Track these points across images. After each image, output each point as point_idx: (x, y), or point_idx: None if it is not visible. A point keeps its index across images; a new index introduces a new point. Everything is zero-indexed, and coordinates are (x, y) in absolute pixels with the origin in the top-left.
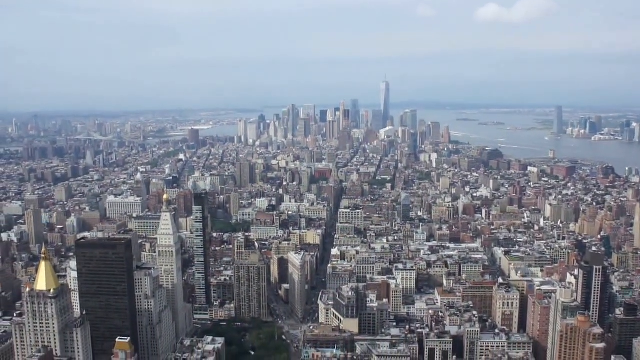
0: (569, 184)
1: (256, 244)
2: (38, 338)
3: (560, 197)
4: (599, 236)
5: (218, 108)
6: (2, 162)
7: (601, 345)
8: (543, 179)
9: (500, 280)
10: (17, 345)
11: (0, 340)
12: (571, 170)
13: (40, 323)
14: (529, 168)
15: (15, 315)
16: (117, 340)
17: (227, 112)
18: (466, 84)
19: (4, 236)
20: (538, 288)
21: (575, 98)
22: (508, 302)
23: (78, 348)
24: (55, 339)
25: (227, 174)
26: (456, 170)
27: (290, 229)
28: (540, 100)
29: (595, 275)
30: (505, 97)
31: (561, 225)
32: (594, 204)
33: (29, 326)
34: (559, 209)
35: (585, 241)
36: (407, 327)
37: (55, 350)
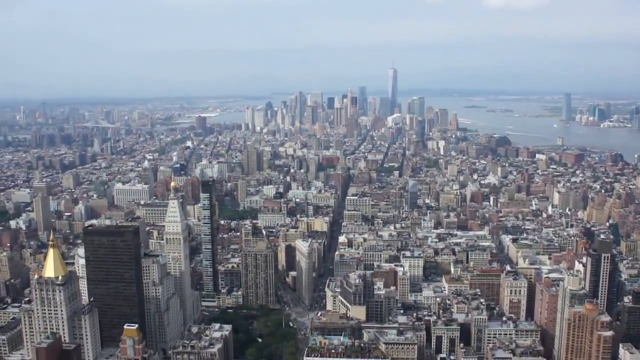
0: (578, 172)
1: (263, 232)
2: (47, 325)
3: (568, 184)
4: (608, 224)
5: (225, 95)
6: (10, 149)
7: (609, 333)
8: (551, 166)
9: (508, 267)
10: (25, 331)
11: (9, 326)
12: (580, 157)
13: (48, 310)
14: (537, 155)
15: (24, 302)
16: (125, 327)
17: (234, 100)
18: (474, 71)
19: (13, 223)
20: (546, 276)
21: (584, 85)
22: (516, 290)
23: (86, 335)
24: (63, 326)
25: (234, 161)
26: (464, 158)
27: (298, 216)
28: (549, 87)
29: (604, 263)
30: (514, 84)
31: (569, 212)
32: (603, 191)
33: (38, 313)
34: (567, 197)
35: (593, 229)
36: (415, 314)
37: (64, 336)
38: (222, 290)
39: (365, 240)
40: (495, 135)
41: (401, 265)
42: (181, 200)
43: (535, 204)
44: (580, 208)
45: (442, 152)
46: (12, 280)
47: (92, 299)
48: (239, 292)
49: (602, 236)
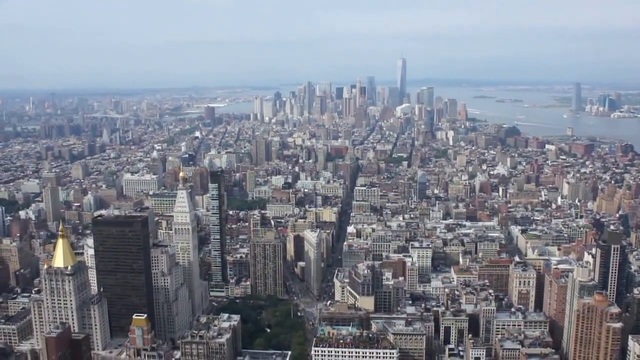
0: (588, 162)
1: (272, 222)
2: (56, 314)
3: (578, 175)
4: (618, 215)
5: (234, 86)
6: (19, 140)
7: (618, 324)
8: (561, 156)
9: (517, 258)
10: (35, 321)
11: (19, 316)
12: (590, 148)
13: (58, 300)
14: (547, 146)
15: (33, 292)
16: (134, 317)
17: (243, 90)
18: (483, 60)
19: (22, 214)
20: (555, 267)
21: (594, 75)
22: (524, 281)
23: (95, 324)
24: (72, 316)
25: (243, 151)
26: (473, 148)
27: (306, 206)
28: (559, 77)
29: (613, 254)
30: (523, 74)
31: (579, 203)
32: (613, 182)
33: (47, 303)
34: (577, 187)
35: (603, 220)
36: (423, 305)
37: (73, 326)
38: (231, 281)
39: (373, 230)
40: (504, 126)
41: (410, 256)
42: (190, 190)
43: (545, 195)
44: (589, 199)
45: (451, 142)
46: (22, 270)
47: (101, 289)
48: (248, 282)
49: (612, 227)
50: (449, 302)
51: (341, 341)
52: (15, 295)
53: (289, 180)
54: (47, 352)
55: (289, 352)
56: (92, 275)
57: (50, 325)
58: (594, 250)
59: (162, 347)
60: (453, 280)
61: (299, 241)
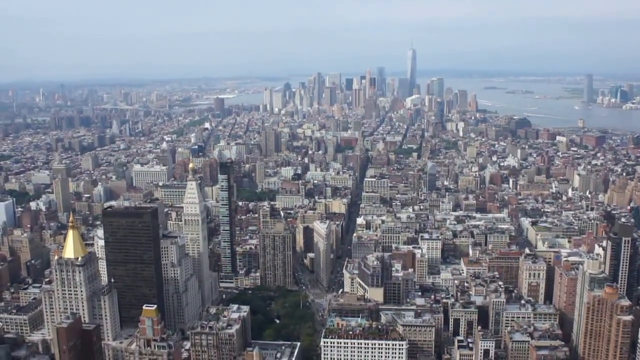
0: (599, 154)
1: (282, 213)
2: (67, 305)
3: (589, 167)
4: (629, 207)
5: (243, 77)
6: (30, 131)
7: (629, 317)
8: (572, 148)
9: (527, 250)
10: (46, 311)
11: (30, 307)
12: (601, 139)
13: (68, 290)
14: (558, 137)
15: (44, 282)
16: (144, 307)
17: (252, 81)
18: (494, 51)
19: (33, 205)
20: (565, 259)
21: (606, 66)
22: (534, 273)
23: (106, 315)
24: (83, 306)
25: (252, 142)
26: (483, 140)
27: (316, 197)
28: (570, 68)
29: (624, 246)
30: (534, 65)
31: (590, 195)
32: (624, 174)
33: (58, 293)
34: (587, 179)
35: (614, 212)
36: (432, 296)
37: (84, 316)
38: (240, 272)
39: (383, 222)
40: (515, 117)
41: (419, 248)
42: (199, 181)
43: (555, 187)
44: (600, 191)
45: (461, 133)
46: (33, 261)
47: (111, 280)
48: (257, 274)
49: (623, 219)
50: (459, 293)
51: (350, 332)
52: (26, 286)
53: (299, 172)
54: (58, 342)
55: (298, 343)
56: (102, 266)
57: (61, 315)
58: (604, 243)
59: (171, 337)
60: (463, 272)
61: (308, 232)
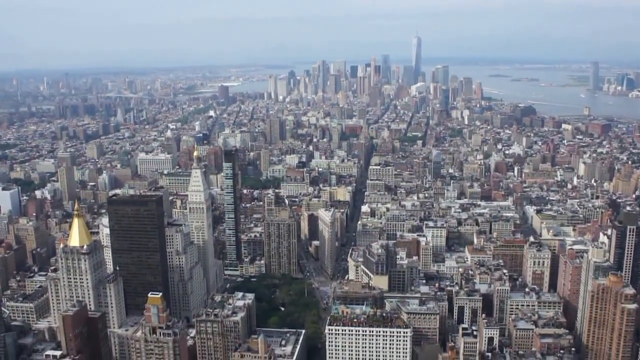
0: (604, 142)
1: (286, 201)
2: (72, 293)
3: (594, 155)
4: (634, 195)
5: (248, 64)
6: (34, 120)
7: (633, 306)
8: (577, 136)
9: (532, 239)
10: (52, 299)
11: (36, 294)
12: (607, 127)
13: (74, 278)
14: (563, 125)
15: (50, 270)
16: (149, 295)
17: (256, 69)
18: (499, 39)
19: (38, 193)
20: (570, 247)
21: (612, 53)
22: (539, 261)
23: (111, 303)
24: (89, 294)
25: (257, 130)
26: (488, 127)
27: (321, 185)
28: (576, 55)
29: (629, 235)
30: (540, 52)
31: (595, 184)
32: (630, 162)
33: (64, 281)
34: (593, 168)
35: (619, 200)
36: (437, 284)
37: (89, 304)
38: (245, 259)
39: (388, 210)
40: (520, 105)
41: (424, 235)
42: (204, 169)
43: (560, 175)
44: (606, 179)
45: (466, 121)
46: (38, 249)
47: (116, 268)
48: (262, 261)
49: (628, 208)
50: (463, 281)
51: (355, 320)
52: (32, 274)
53: (303, 160)
54: (64, 329)
55: (303, 331)
56: (108, 254)
57: (67, 303)
58: (609, 231)
59: (177, 325)
60: (467, 260)
61: (313, 220)
